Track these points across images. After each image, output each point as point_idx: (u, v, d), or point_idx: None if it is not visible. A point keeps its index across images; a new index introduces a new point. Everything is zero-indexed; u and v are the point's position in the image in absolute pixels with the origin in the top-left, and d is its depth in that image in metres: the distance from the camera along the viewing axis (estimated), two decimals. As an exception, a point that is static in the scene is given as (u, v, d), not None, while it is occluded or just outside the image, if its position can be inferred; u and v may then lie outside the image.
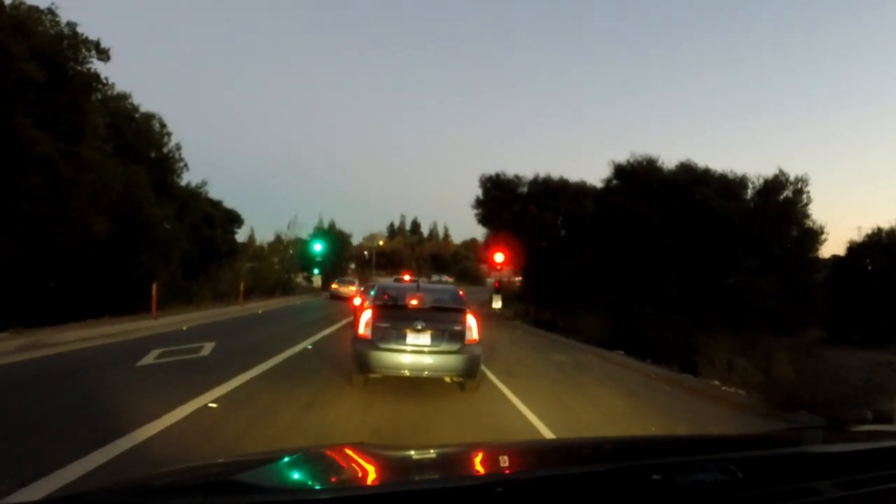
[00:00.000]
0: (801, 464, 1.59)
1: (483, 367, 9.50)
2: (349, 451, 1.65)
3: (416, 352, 6.65)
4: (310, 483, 1.43)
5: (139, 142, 22.08)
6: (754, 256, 17.07)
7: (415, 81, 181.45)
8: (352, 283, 33.47)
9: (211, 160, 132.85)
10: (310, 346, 11.33)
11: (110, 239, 15.82)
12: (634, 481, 1.30)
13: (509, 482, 1.29)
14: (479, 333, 6.99)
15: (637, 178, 20.35)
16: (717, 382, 8.63)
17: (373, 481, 1.43)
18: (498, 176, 29.85)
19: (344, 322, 17.05)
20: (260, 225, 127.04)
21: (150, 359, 9.06)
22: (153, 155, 22.94)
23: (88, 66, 14.88)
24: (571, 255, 23.96)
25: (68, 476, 3.71)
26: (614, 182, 21.07)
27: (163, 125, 23.77)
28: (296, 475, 1.50)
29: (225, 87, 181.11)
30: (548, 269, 26.27)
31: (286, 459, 1.59)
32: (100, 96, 22.10)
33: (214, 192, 46.82)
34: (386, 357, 6.65)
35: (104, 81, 15.04)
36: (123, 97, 22.90)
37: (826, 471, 1.44)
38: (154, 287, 14.33)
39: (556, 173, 28.82)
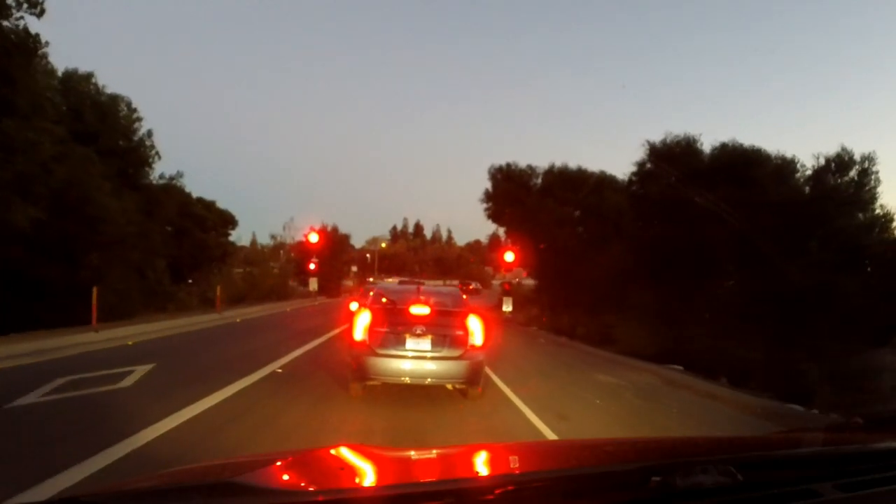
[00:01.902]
0: (801, 465, 1.57)
1: (521, 405, 6.82)
2: (349, 453, 1.66)
3: (415, 358, 6.32)
4: (310, 484, 1.40)
5: (103, 127, 19.37)
6: (827, 248, 14.16)
7: (416, 82, 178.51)
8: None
9: (206, 161, 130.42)
10: (280, 369, 8.49)
11: (50, 235, 13.05)
12: (634, 483, 1.28)
13: (508, 483, 1.28)
14: (483, 338, 6.55)
15: (675, 160, 17.45)
16: None
17: (373, 482, 1.43)
18: (509, 166, 27.10)
19: (335, 332, 14.23)
20: (259, 229, 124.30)
21: (37, 395, 6.30)
22: (121, 143, 20.20)
23: (18, 22, 12.14)
24: (595, 252, 21.09)
25: None
26: (648, 166, 18.13)
27: (132, 109, 21.03)
28: (296, 476, 1.47)
29: (222, 87, 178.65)
30: (566, 269, 23.43)
31: (286, 461, 1.59)
32: (59, 76, 19.58)
33: (209, 194, 44.53)
34: (384, 363, 6.32)
35: (36, 39, 12.21)
36: (85, 78, 20.18)
37: (826, 472, 1.43)
38: (94, 292, 11.52)
39: (572, 165, 25.96)
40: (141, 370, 7.95)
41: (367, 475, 1.50)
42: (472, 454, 1.82)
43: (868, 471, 1.43)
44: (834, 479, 1.35)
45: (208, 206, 40.11)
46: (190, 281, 29.22)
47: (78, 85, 20.18)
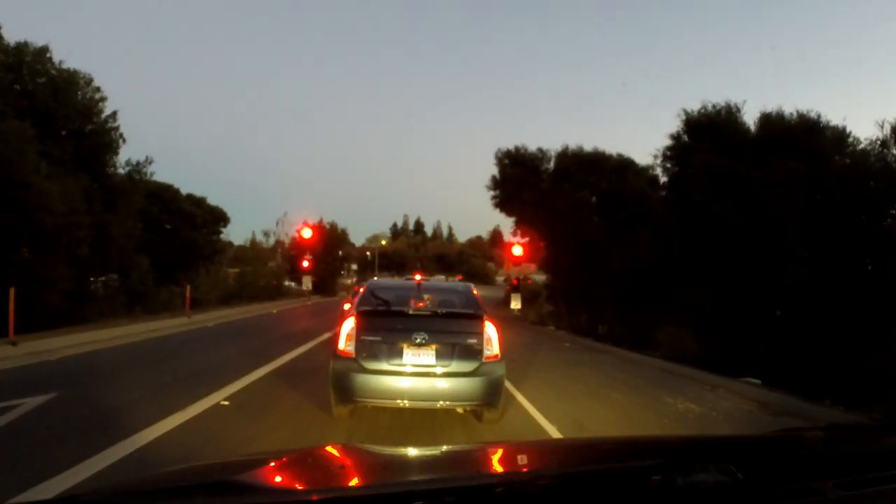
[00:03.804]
0: (802, 464, 1.55)
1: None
2: (349, 451, 1.66)
3: (416, 374, 5.00)
4: (309, 483, 1.38)
5: (56, 105, 16.93)
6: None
7: (415, 78, 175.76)
8: None
9: (203, 159, 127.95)
10: (226, 401, 6.03)
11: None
12: (634, 482, 1.28)
13: (508, 482, 1.27)
14: (500, 346, 5.28)
15: (717, 131, 15.01)
16: None
17: (372, 481, 1.42)
18: (518, 150, 24.58)
19: (320, 339, 11.81)
20: (258, 228, 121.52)
21: None
22: (78, 124, 17.73)
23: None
24: (620, 241, 18.66)
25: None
26: (685, 139, 15.64)
27: (93, 87, 18.51)
28: (296, 476, 1.44)
29: (220, 85, 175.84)
30: (585, 261, 21.01)
31: (286, 460, 1.57)
32: (10, 49, 17.16)
33: (204, 192, 42.08)
34: (374, 382, 4.97)
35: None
36: (39, 52, 17.72)
37: (826, 471, 1.42)
38: (12, 294, 9.12)
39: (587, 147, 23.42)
40: (26, 406, 5.55)
41: (367, 474, 1.48)
42: (471, 453, 1.81)
43: (869, 469, 1.41)
44: (835, 478, 1.30)
45: (198, 202, 37.89)
46: (175, 284, 26.93)
47: (31, 59, 17.75)
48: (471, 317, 5.41)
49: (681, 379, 8.89)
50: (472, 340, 5.16)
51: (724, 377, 8.87)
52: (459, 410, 5.62)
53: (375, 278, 11.53)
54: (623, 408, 6.46)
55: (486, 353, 5.16)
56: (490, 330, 5.27)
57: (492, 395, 5.16)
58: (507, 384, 7.19)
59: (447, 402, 5.11)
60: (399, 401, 5.03)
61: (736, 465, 1.26)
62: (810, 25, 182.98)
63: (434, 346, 5.05)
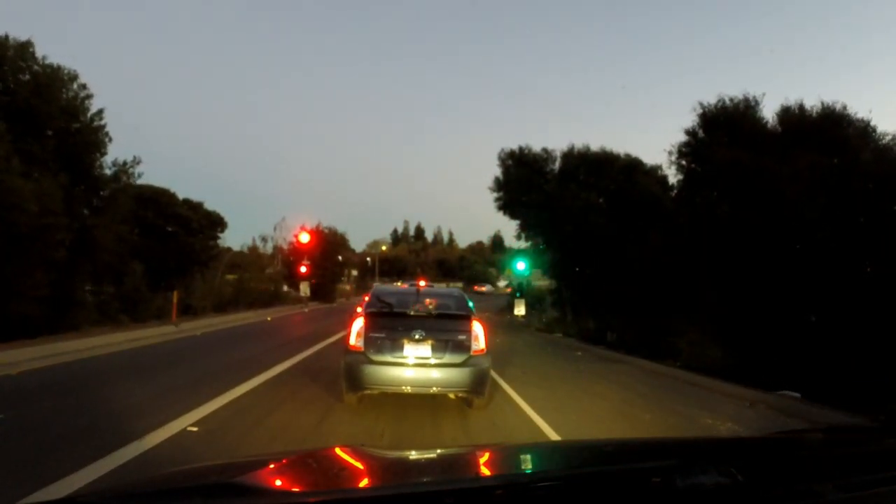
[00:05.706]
0: (802, 466, 1.53)
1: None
2: (349, 454, 1.63)
3: (415, 365, 5.83)
4: (310, 486, 1.37)
5: (38, 102, 16.11)
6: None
7: (414, 84, 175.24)
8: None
9: (198, 162, 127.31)
10: (194, 426, 5.17)
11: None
12: (634, 484, 1.25)
13: (509, 484, 1.25)
14: (486, 342, 6.10)
15: (735, 125, 14.19)
16: None
17: (372, 483, 1.41)
18: (522, 151, 23.78)
19: (313, 350, 10.95)
20: (257, 234, 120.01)
21: None
22: (62, 122, 16.90)
23: None
24: (631, 245, 17.82)
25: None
26: (700, 135, 14.81)
27: (79, 84, 17.67)
28: (296, 478, 1.43)
29: (217, 86, 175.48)
30: (594, 266, 20.17)
31: (287, 462, 1.55)
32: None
33: (196, 194, 41.19)
34: (380, 371, 5.81)
35: None
36: (21, 46, 16.92)
37: (826, 473, 1.39)
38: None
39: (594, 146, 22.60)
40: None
41: (367, 476, 1.46)
42: (471, 455, 1.79)
43: (869, 471, 1.39)
44: (835, 480, 1.28)
45: (195, 207, 36.99)
46: (171, 291, 26.13)
47: (13, 54, 16.95)
48: (461, 317, 6.21)
49: (712, 393, 8.03)
50: (462, 337, 5.95)
51: (757, 390, 8.00)
52: (451, 396, 6.37)
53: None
54: (659, 432, 5.60)
55: (474, 347, 5.93)
56: (477, 328, 6.04)
57: (478, 384, 5.89)
58: (524, 404, 6.57)
59: (441, 389, 5.84)
60: (401, 387, 5.76)
61: (736, 467, 1.25)
62: (810, 25, 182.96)
63: (430, 342, 5.84)
